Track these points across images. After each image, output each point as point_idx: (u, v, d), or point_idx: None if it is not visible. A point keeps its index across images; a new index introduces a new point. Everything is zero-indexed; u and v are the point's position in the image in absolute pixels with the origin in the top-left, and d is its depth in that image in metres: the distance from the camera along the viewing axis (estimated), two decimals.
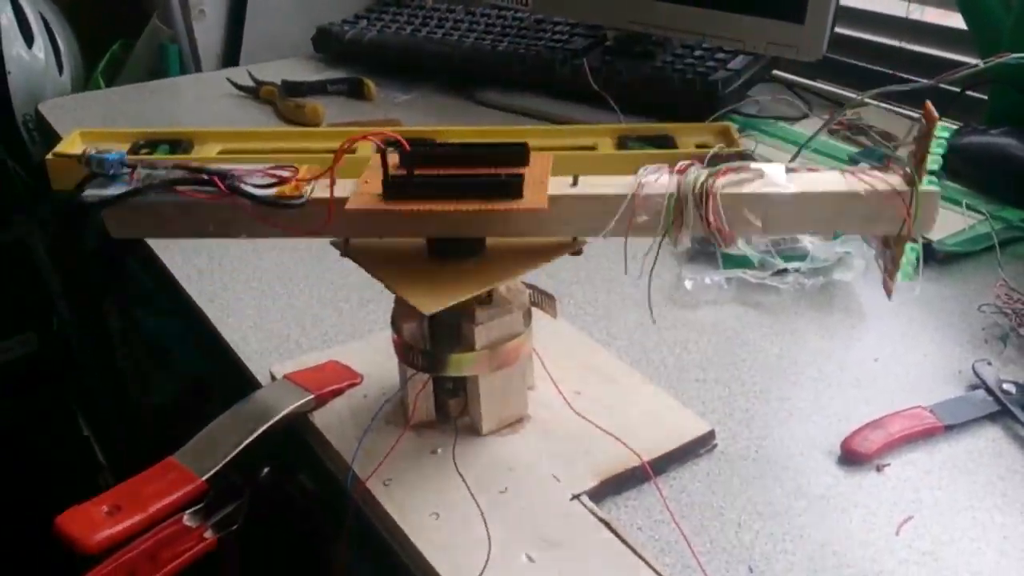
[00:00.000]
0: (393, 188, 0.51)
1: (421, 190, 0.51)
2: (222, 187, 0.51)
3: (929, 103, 0.50)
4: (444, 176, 0.51)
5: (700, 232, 0.51)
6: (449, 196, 0.50)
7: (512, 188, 0.50)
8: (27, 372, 1.69)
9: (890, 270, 0.53)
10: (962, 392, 0.64)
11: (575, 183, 0.53)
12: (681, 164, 0.52)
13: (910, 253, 0.52)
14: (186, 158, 0.97)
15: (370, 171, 0.53)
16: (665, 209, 0.51)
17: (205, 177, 0.51)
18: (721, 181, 0.51)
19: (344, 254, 0.56)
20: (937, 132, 0.49)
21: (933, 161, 0.50)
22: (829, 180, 0.52)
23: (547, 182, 0.52)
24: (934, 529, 0.53)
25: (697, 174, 0.51)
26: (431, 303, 0.50)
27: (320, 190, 0.52)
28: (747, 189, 0.51)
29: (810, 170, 0.53)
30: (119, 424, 1.49)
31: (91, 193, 0.52)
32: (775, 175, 0.52)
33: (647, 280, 0.55)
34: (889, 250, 0.53)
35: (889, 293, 0.53)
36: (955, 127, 0.99)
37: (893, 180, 0.51)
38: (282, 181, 0.52)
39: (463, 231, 0.53)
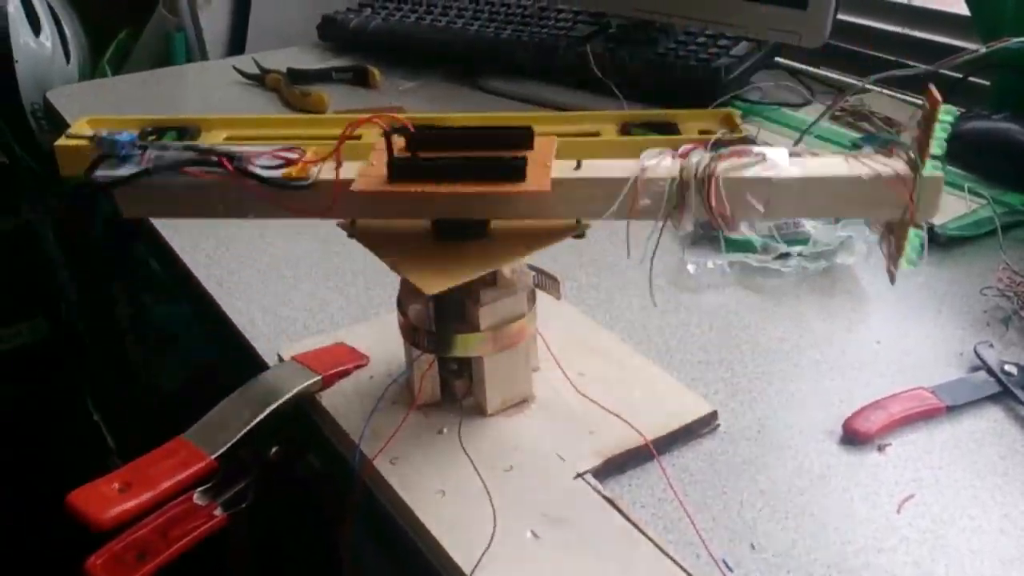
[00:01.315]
0: (398, 170, 0.51)
1: (426, 172, 0.51)
2: (230, 168, 0.52)
3: (932, 86, 0.50)
4: (448, 158, 0.52)
5: (702, 216, 0.52)
6: (453, 178, 0.51)
7: (515, 171, 0.51)
8: (37, 358, 1.70)
9: (893, 256, 0.53)
10: (964, 374, 0.65)
11: (579, 166, 0.53)
12: (684, 148, 0.52)
13: (914, 239, 0.51)
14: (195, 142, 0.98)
15: (376, 154, 0.53)
16: (667, 192, 0.51)
17: (214, 158, 0.52)
18: (723, 165, 0.51)
19: (351, 235, 0.56)
20: (941, 116, 0.49)
21: (937, 146, 0.50)
22: (832, 164, 0.52)
23: (551, 165, 0.52)
24: (935, 508, 0.54)
25: (700, 158, 0.51)
26: (434, 284, 0.51)
27: (327, 172, 0.53)
28: (749, 173, 0.51)
29: (813, 154, 0.53)
30: (128, 409, 1.50)
31: (102, 174, 0.53)
32: (778, 159, 0.52)
33: (650, 264, 0.55)
34: (892, 235, 0.53)
35: (892, 278, 0.53)
36: (958, 112, 1.00)
37: (896, 165, 0.51)
38: (289, 163, 0.53)
39: (467, 213, 0.54)
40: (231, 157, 0.52)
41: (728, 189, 0.51)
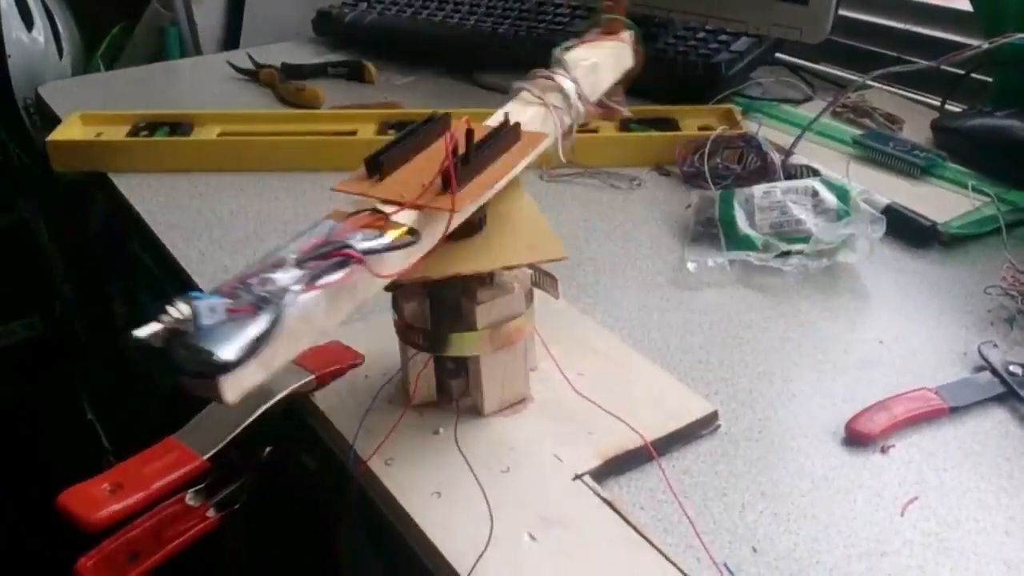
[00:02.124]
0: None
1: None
2: (358, 256, 0.41)
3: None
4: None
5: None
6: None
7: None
8: (31, 356, 1.69)
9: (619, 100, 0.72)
10: (968, 374, 0.64)
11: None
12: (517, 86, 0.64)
13: None
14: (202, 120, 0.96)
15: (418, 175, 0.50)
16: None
17: (336, 258, 0.41)
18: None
19: None
20: None
21: None
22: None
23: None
24: (939, 510, 0.53)
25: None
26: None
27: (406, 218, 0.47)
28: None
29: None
30: (123, 408, 1.49)
31: (198, 361, 0.35)
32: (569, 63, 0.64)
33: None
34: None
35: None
36: (962, 108, 0.99)
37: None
38: (383, 226, 0.45)
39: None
40: (342, 246, 0.41)
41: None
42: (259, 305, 0.37)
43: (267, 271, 0.39)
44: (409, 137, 0.53)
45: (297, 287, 0.39)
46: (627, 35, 0.73)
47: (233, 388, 0.36)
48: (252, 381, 0.37)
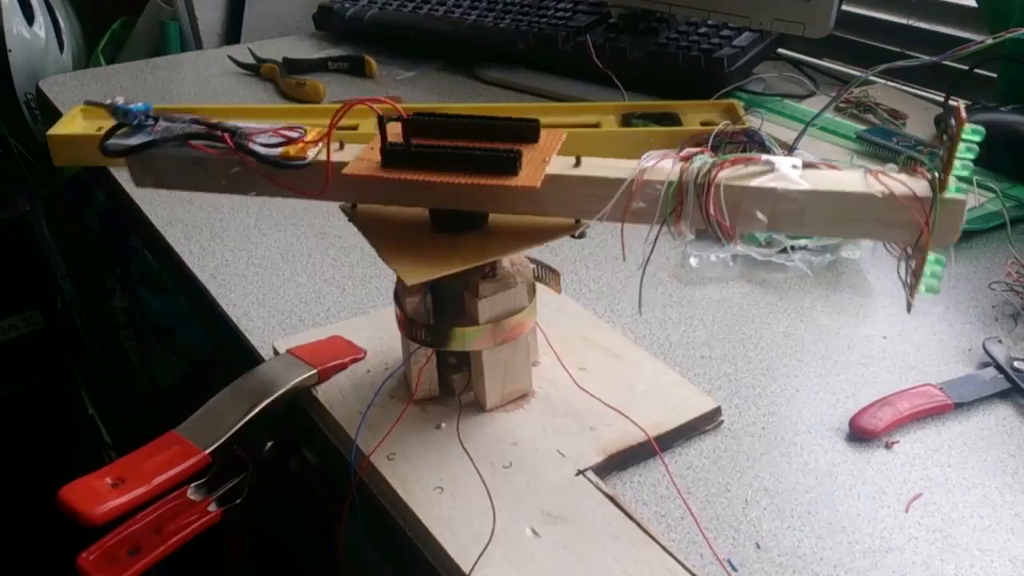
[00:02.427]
0: (389, 156, 0.50)
1: (418, 160, 0.50)
2: (230, 143, 0.52)
3: (959, 104, 0.47)
4: (443, 147, 0.50)
5: (700, 224, 0.49)
6: (445, 167, 0.50)
7: (507, 164, 0.49)
8: (32, 350, 1.69)
9: (911, 282, 0.48)
10: (972, 370, 0.64)
11: (578, 163, 0.51)
12: (687, 150, 0.50)
13: (934, 264, 0.47)
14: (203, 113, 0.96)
15: (375, 140, 0.52)
16: (664, 196, 0.48)
17: (217, 133, 0.52)
18: (726, 172, 0.48)
19: (350, 219, 0.55)
20: (966, 135, 0.44)
21: (962, 167, 0.45)
22: (845, 179, 0.48)
23: (548, 161, 0.50)
24: (944, 507, 0.53)
25: (702, 162, 0.48)
26: (416, 274, 0.50)
27: (325, 155, 0.52)
28: (754, 183, 0.47)
29: (831, 167, 0.49)
30: (124, 403, 1.49)
31: (115, 143, 0.54)
32: (786, 169, 0.48)
33: (641, 271, 0.54)
34: (910, 259, 0.48)
35: (908, 307, 0.48)
36: (983, 131, 0.98)
37: (916, 184, 0.46)
38: (289, 142, 0.52)
39: (461, 204, 0.52)
40: (233, 132, 0.52)
41: (729, 198, 0.47)
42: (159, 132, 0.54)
43: (189, 123, 0.54)
44: (471, 123, 0.53)
45: (176, 135, 0.53)
46: (921, 188, 0.47)
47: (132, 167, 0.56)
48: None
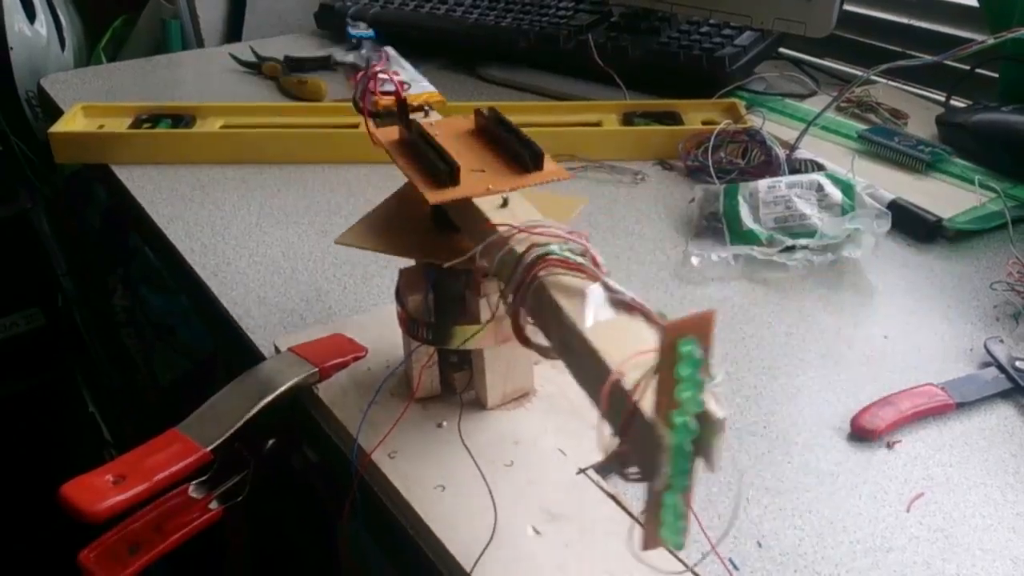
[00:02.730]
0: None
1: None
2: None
3: (668, 325, 0.32)
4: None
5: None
6: None
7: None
8: (33, 348, 1.69)
9: (648, 516, 0.36)
10: (973, 370, 0.64)
11: (504, 204, 0.49)
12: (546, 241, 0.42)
13: (671, 512, 0.35)
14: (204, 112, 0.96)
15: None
16: (498, 260, 0.43)
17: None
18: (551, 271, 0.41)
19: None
20: (682, 347, 0.32)
21: (689, 396, 0.32)
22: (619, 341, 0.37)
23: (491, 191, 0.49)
24: (945, 506, 0.53)
25: (543, 251, 0.41)
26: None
27: None
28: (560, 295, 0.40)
29: (639, 311, 0.39)
30: (124, 401, 1.49)
31: None
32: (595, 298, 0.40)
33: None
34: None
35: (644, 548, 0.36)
36: (967, 103, 0.99)
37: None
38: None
39: None
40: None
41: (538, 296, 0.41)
42: None
43: None
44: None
45: None
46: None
47: None
48: None
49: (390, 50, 1.15)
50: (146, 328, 1.33)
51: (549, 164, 0.52)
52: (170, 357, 1.30)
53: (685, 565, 0.47)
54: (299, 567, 0.77)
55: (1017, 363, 0.62)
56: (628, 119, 0.99)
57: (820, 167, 0.85)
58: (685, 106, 1.01)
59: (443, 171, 0.50)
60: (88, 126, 0.99)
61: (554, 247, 0.42)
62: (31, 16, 1.44)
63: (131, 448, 0.53)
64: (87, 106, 1.01)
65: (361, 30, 1.20)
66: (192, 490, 0.57)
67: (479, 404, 0.58)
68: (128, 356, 1.42)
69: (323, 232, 0.82)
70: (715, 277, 0.75)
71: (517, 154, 0.52)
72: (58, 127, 0.97)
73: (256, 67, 1.20)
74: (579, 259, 0.42)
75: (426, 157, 0.52)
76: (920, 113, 1.01)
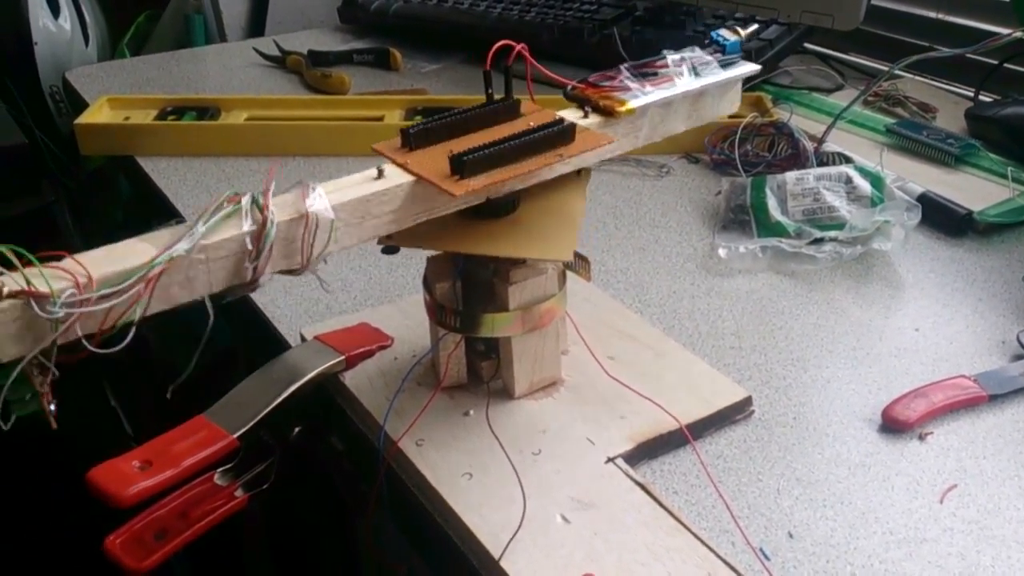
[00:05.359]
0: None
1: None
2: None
3: None
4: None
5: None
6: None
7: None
8: None
9: None
10: (1006, 362, 0.63)
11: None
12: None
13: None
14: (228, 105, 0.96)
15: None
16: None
17: None
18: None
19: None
20: None
21: None
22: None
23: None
24: (979, 498, 0.52)
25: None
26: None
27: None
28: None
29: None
30: (146, 395, 1.50)
31: None
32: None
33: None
34: None
35: None
36: (995, 98, 0.97)
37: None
38: None
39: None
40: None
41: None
42: None
43: None
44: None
45: None
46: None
47: None
48: None
49: None
50: (169, 321, 1.34)
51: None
52: (190, 351, 1.31)
53: (716, 554, 0.47)
54: (319, 554, 0.77)
55: None
56: None
57: (848, 160, 0.84)
58: None
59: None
60: (114, 118, 0.99)
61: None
62: (55, 11, 1.45)
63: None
64: (113, 98, 1.02)
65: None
66: (218, 477, 0.57)
67: (506, 393, 0.58)
68: (148, 349, 1.42)
69: None
70: (742, 269, 0.74)
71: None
72: (84, 119, 0.97)
73: (279, 61, 1.21)
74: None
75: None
76: (948, 108, 1.00)
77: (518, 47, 0.52)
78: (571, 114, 0.56)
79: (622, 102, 0.56)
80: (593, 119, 0.56)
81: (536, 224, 0.54)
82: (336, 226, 0.46)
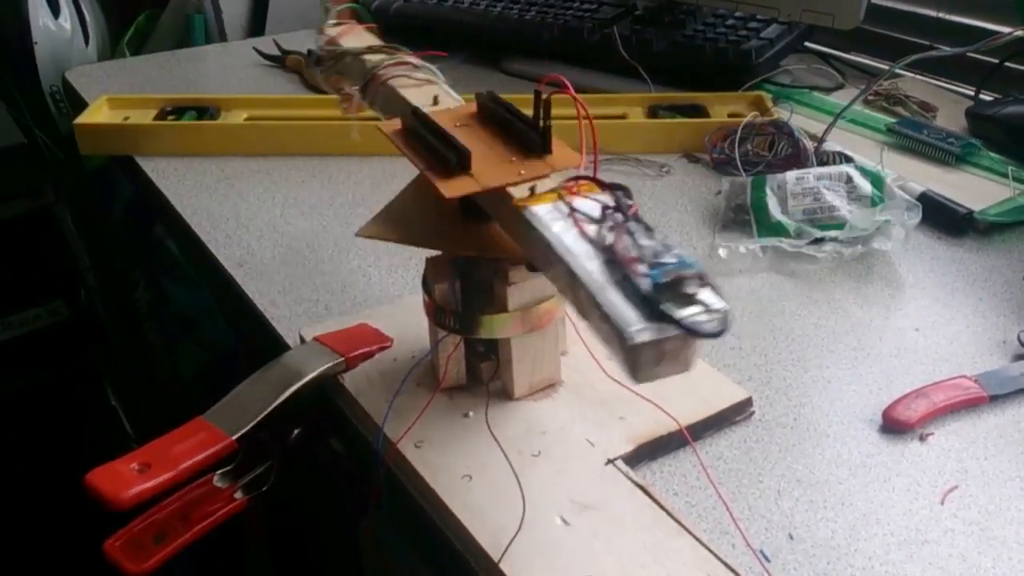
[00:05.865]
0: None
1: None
2: None
3: None
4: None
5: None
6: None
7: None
8: (56, 341, 1.70)
9: None
10: (1007, 363, 0.63)
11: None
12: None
13: None
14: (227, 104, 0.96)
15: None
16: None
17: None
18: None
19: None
20: None
21: None
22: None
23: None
24: (980, 499, 0.52)
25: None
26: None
27: None
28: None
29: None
30: (146, 395, 1.50)
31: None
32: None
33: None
34: None
35: None
36: (996, 96, 0.97)
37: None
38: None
39: None
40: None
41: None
42: None
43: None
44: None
45: None
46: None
47: None
48: None
49: None
50: (168, 321, 1.34)
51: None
52: (192, 351, 1.31)
53: (716, 556, 0.47)
54: (321, 556, 0.77)
55: None
56: (653, 112, 0.99)
57: (848, 159, 0.84)
58: (710, 99, 1.00)
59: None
60: (113, 117, 0.99)
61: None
62: (55, 11, 1.45)
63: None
64: (112, 98, 1.02)
65: None
66: (217, 479, 0.57)
67: (506, 394, 0.58)
68: (150, 349, 1.43)
69: (347, 223, 0.81)
70: (743, 269, 0.74)
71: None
72: (83, 118, 0.97)
73: (279, 61, 1.21)
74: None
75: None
76: (949, 107, 1.00)
77: (571, 93, 0.51)
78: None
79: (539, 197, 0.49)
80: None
81: None
82: None
